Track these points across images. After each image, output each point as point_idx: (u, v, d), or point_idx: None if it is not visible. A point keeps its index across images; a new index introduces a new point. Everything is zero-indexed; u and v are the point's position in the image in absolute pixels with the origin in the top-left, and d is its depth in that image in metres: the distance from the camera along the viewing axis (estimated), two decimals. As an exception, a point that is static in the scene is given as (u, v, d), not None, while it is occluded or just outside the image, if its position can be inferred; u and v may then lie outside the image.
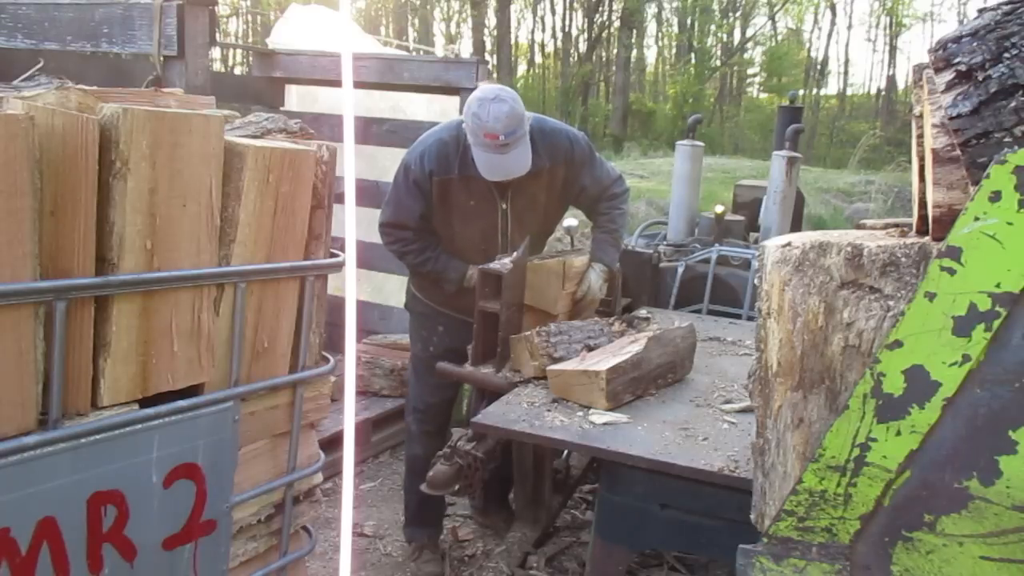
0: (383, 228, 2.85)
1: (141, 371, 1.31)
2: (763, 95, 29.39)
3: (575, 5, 26.72)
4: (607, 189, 2.98)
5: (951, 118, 1.17)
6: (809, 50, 29.53)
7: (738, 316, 3.87)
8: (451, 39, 27.36)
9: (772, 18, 27.83)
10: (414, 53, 8.30)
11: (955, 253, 1.13)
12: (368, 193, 3.90)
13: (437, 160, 2.68)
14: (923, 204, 1.33)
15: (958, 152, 1.18)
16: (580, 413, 2.26)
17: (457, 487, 2.36)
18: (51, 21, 3.09)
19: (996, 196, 1.09)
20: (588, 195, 2.96)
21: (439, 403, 3.09)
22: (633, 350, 2.40)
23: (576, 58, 25.92)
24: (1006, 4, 1.17)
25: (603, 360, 2.35)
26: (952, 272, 1.13)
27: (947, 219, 1.19)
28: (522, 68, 28.63)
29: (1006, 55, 1.13)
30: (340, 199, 1.53)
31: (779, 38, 28.87)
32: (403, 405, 3.63)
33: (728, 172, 11.54)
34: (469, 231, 2.80)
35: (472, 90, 3.47)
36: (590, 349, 2.52)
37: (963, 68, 1.16)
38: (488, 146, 2.53)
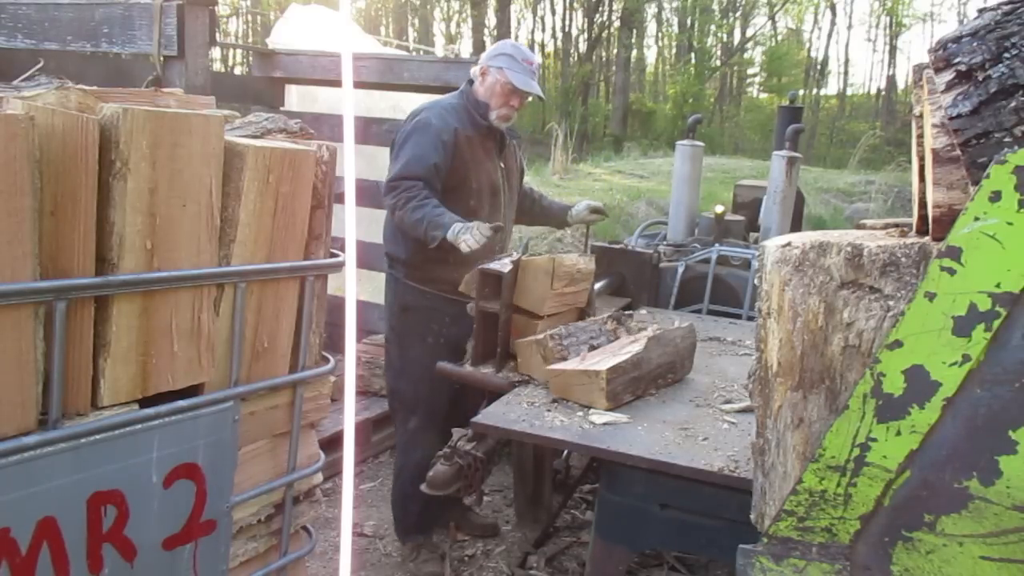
0: (394, 182, 2.89)
1: (141, 371, 1.31)
2: (763, 95, 29.39)
3: (575, 5, 26.72)
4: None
5: (951, 118, 1.17)
6: (809, 50, 29.59)
7: (738, 316, 3.87)
8: (451, 39, 27.39)
9: (772, 18, 27.87)
10: (414, 53, 8.29)
11: (955, 253, 1.13)
12: (368, 193, 3.89)
13: (456, 117, 3.01)
14: (923, 204, 1.33)
15: (958, 152, 1.18)
16: (580, 413, 2.26)
17: (457, 487, 2.36)
18: (51, 21, 3.09)
19: (996, 196, 1.09)
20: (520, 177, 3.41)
21: (448, 400, 3.06)
22: (633, 350, 2.39)
23: (576, 58, 25.92)
24: (1006, 4, 1.17)
25: (603, 360, 2.35)
26: (952, 272, 1.13)
27: (947, 219, 1.20)
28: (522, 68, 28.54)
29: (1006, 55, 1.13)
30: (340, 199, 1.53)
31: (779, 38, 28.90)
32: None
33: (728, 172, 11.53)
34: (479, 184, 3.09)
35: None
36: (591, 349, 2.52)
37: (963, 68, 1.16)
38: (525, 70, 3.06)
